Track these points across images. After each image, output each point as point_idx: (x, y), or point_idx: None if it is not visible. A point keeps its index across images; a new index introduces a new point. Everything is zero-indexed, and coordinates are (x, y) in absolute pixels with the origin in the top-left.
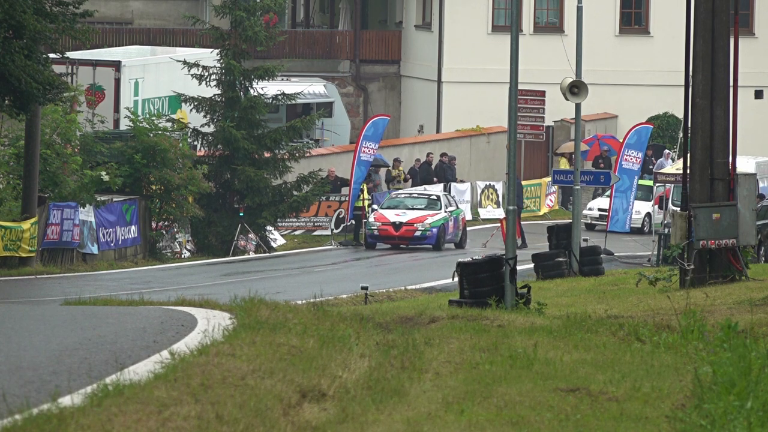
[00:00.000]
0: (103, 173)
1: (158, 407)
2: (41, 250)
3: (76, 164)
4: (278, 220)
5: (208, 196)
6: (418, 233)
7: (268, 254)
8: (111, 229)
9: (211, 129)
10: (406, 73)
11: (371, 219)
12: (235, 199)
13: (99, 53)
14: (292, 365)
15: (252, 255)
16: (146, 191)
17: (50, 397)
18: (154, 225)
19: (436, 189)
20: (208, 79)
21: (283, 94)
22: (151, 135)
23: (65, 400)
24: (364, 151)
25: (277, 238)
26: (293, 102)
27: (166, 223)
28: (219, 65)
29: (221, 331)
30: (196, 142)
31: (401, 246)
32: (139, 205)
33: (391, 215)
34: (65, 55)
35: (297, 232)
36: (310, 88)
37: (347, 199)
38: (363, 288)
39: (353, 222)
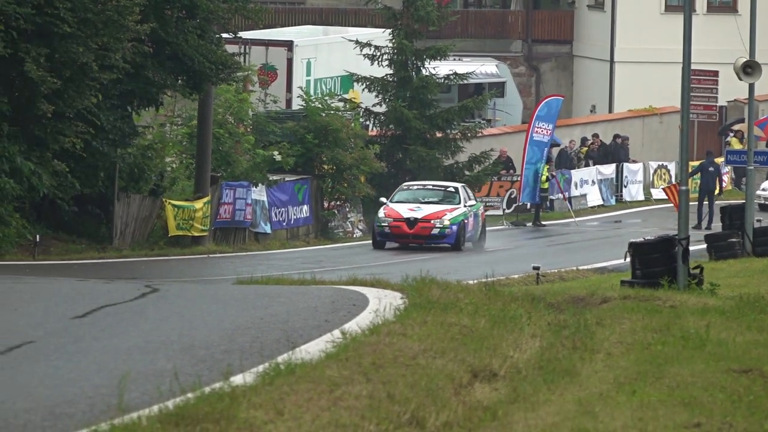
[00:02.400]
0: (276, 153)
1: (329, 386)
2: (214, 230)
3: (249, 144)
4: None
5: (379, 176)
6: (435, 231)
7: None
8: (283, 209)
9: (383, 109)
10: (578, 53)
11: (381, 214)
12: (407, 179)
13: (271, 33)
14: (463, 345)
15: None
16: (318, 171)
17: (222, 375)
18: (326, 204)
19: (607, 169)
20: (380, 59)
21: (455, 73)
22: (324, 115)
23: (237, 379)
24: (536, 132)
25: None
26: (465, 82)
27: (338, 202)
28: (391, 45)
29: (392, 311)
30: (368, 122)
31: (414, 246)
32: (311, 185)
33: (404, 210)
34: (238, 35)
35: None
36: (482, 68)
37: (519, 179)
38: (534, 268)
39: (532, 201)
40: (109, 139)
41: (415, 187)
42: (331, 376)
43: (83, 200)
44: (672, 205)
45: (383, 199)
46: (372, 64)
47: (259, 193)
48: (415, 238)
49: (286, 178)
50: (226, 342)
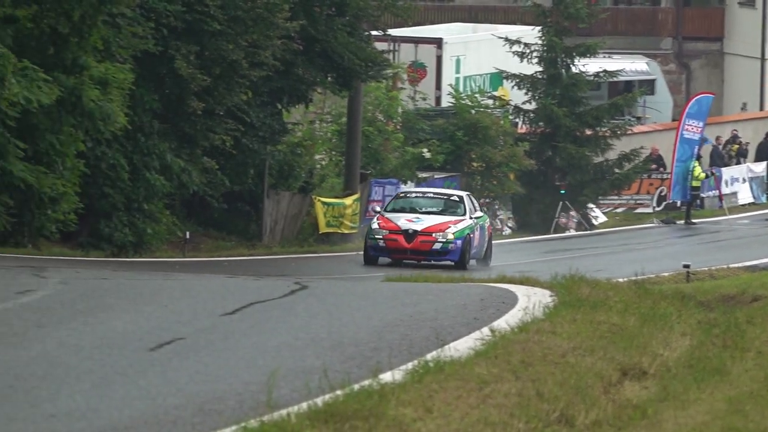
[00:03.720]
0: (425, 150)
1: (479, 384)
2: (362, 227)
3: (398, 141)
4: (599, 197)
5: (529, 174)
6: (437, 246)
7: (589, 232)
8: None
9: (532, 106)
10: (728, 50)
11: (375, 225)
12: (557, 177)
13: (421, 30)
14: (613, 343)
15: (573, 232)
16: (467, 168)
17: (371, 373)
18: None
19: (758, 167)
20: (529, 57)
21: (605, 71)
22: (473, 112)
23: (386, 377)
24: (687, 129)
25: (598, 216)
26: (615, 79)
27: (487, 200)
28: (540, 42)
29: (542, 309)
30: (517, 119)
31: (413, 261)
32: (460, 182)
33: (401, 221)
34: (387, 33)
35: (618, 210)
36: (632, 66)
37: (669, 177)
38: (685, 266)
39: (682, 199)
40: (259, 136)
41: (414, 195)
42: (480, 374)
43: (233, 197)
44: None
45: (376, 208)
46: (521, 61)
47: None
48: (413, 254)
49: (436, 176)
50: (375, 339)
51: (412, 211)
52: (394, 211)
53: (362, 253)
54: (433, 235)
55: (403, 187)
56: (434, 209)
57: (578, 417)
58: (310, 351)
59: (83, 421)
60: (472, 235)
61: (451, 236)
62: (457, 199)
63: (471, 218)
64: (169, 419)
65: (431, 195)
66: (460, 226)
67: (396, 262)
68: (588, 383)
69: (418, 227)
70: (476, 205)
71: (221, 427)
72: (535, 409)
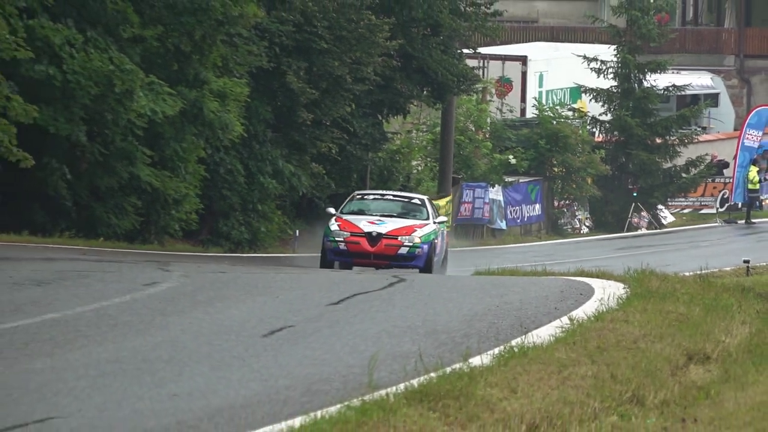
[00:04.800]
0: (511, 157)
1: (558, 367)
2: (455, 226)
3: (487, 149)
4: (668, 199)
5: (604, 178)
6: (403, 250)
7: (658, 230)
8: (517, 207)
9: (608, 117)
10: None
11: (333, 227)
12: (629, 181)
13: (507, 49)
14: (680, 331)
15: (644, 231)
16: (549, 173)
17: (462, 357)
18: (555, 203)
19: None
20: (605, 72)
21: (674, 85)
22: (554, 123)
23: (475, 360)
24: (747, 138)
25: (666, 216)
26: (682, 93)
27: (566, 201)
28: (615, 59)
29: (615, 300)
30: (594, 129)
31: (374, 266)
32: (543, 186)
33: (363, 223)
34: (477, 51)
35: (685, 211)
36: (698, 80)
37: (731, 180)
38: (745, 261)
39: (742, 201)
40: (362, 144)
41: (371, 197)
42: (560, 358)
43: (338, 199)
44: None
45: (331, 210)
46: (598, 76)
47: (495, 193)
48: (377, 258)
49: (520, 180)
50: (465, 327)
51: (371, 214)
52: (351, 213)
53: (319, 256)
54: (399, 238)
55: (492, 190)
56: (394, 213)
57: (648, 397)
58: (406, 338)
59: (203, 400)
60: (436, 241)
61: (417, 240)
62: (419, 203)
63: (434, 223)
64: (280, 399)
65: (390, 197)
66: (426, 230)
67: (347, 265)
68: (657, 367)
69: (382, 230)
70: (436, 210)
71: (327, 406)
72: (609, 390)
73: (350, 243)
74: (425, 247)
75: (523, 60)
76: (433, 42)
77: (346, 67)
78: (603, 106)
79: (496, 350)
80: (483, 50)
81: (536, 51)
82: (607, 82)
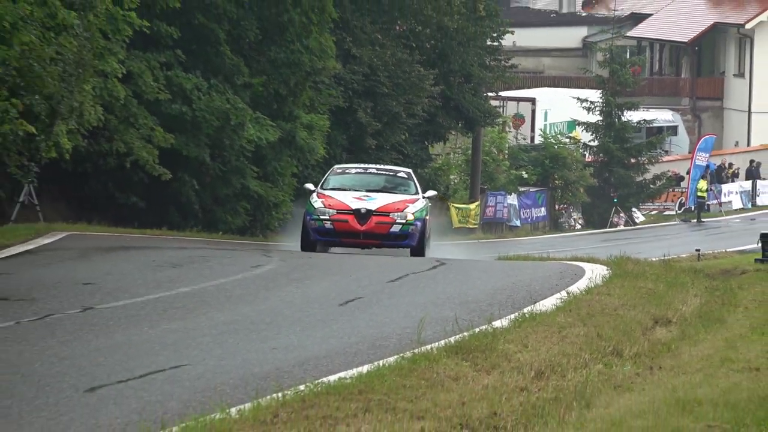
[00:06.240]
0: (524, 172)
1: (558, 329)
2: (482, 224)
3: (505, 166)
4: (640, 204)
5: (592, 188)
6: (396, 228)
7: (632, 227)
8: (528, 210)
9: (595, 143)
10: (727, 106)
11: (317, 204)
12: (611, 190)
13: (521, 92)
14: (648, 301)
15: (622, 227)
16: (552, 184)
17: (486, 321)
18: (556, 207)
19: (746, 184)
20: (593, 110)
21: (644, 120)
22: (556, 147)
23: (496, 323)
24: (698, 159)
25: (639, 216)
26: (651, 125)
27: (564, 205)
28: (601, 100)
29: (601, 278)
30: (585, 152)
31: (362, 247)
32: (547, 194)
33: (349, 199)
34: (498, 94)
35: (652, 212)
36: (662, 116)
37: (686, 190)
38: (696, 250)
39: (694, 206)
40: (413, 163)
41: (354, 171)
42: (559, 322)
43: None
44: None
45: (309, 186)
46: (588, 113)
47: (512, 199)
48: (366, 237)
49: (531, 189)
50: (489, 298)
51: (355, 189)
52: (333, 189)
53: (300, 238)
54: (391, 215)
55: (509, 197)
56: (380, 187)
57: (625, 351)
58: (446, 306)
59: (295, 352)
60: (427, 217)
61: (411, 217)
62: (405, 176)
63: (424, 198)
64: (352, 351)
65: (374, 171)
66: (418, 206)
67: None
68: (632, 328)
69: (372, 206)
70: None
71: (386, 357)
72: (596, 345)
73: (336, 221)
74: (418, 224)
75: (532, 101)
76: (466, 87)
77: (401, 106)
78: (592, 135)
79: (512, 316)
80: (503, 93)
81: (542, 94)
82: (594, 117)
